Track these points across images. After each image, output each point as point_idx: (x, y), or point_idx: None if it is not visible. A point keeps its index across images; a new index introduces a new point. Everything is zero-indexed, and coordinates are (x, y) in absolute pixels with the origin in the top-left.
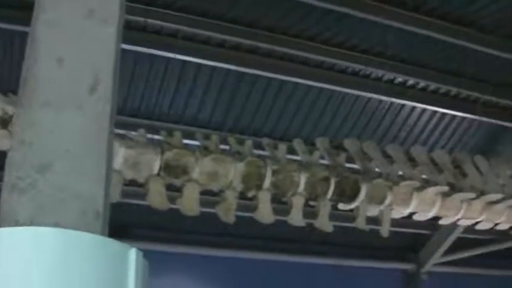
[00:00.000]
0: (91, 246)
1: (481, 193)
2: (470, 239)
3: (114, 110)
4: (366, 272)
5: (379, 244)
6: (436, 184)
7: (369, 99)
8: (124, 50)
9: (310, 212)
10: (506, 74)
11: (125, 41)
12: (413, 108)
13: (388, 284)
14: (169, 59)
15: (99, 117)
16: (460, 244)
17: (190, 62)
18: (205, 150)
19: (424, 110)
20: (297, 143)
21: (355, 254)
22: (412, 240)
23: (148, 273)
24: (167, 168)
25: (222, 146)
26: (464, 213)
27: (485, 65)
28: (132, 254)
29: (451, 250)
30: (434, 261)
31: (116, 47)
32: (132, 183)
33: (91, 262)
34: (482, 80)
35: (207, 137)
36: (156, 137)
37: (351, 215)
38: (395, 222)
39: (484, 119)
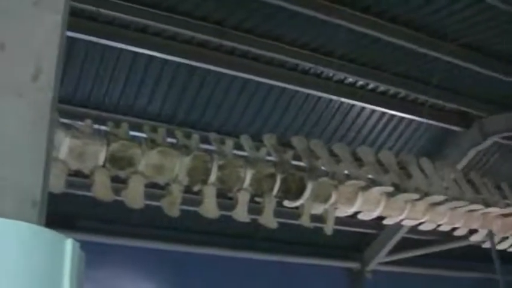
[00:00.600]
0: (26, 236)
1: (425, 194)
2: (414, 239)
3: (56, 98)
4: (311, 269)
5: (325, 242)
6: (381, 184)
7: (319, 98)
8: (75, 39)
9: (255, 208)
10: (452, 78)
11: (77, 30)
12: (363, 108)
13: (333, 282)
14: (121, 50)
15: (41, 106)
16: (404, 244)
17: (141, 54)
18: (152, 143)
19: (373, 111)
20: (244, 139)
21: (300, 251)
22: (358, 239)
23: (84, 264)
24: (113, 159)
25: (170, 140)
26: (408, 214)
27: (433, 68)
28: (68, 245)
29: (395, 250)
30: (379, 260)
31: (60, 35)
32: (78, 174)
33: (25, 251)
34: (430, 83)
35: (154, 130)
36: (104, 128)
37: (296, 212)
38: (341, 221)
39: (431, 121)
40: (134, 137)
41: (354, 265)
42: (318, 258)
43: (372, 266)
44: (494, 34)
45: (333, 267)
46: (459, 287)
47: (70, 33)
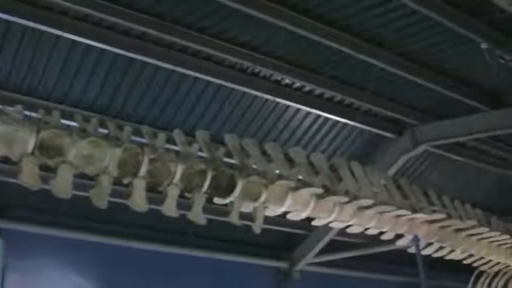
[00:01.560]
0: None
1: (354, 198)
2: (342, 241)
3: None
4: (240, 267)
5: (255, 241)
6: (311, 186)
7: (255, 97)
8: (11, 23)
9: (186, 203)
10: (387, 86)
11: (14, 14)
12: (298, 110)
13: (261, 281)
14: (58, 37)
15: None
16: (333, 246)
17: (79, 42)
18: (83, 133)
19: (308, 113)
20: (177, 134)
21: (231, 249)
22: (287, 239)
23: (4, 252)
24: (42, 147)
25: (102, 130)
26: (337, 216)
27: (368, 74)
28: None
29: (324, 251)
30: (307, 260)
31: None
32: (8, 161)
33: None
34: (365, 88)
35: (86, 120)
36: (35, 115)
37: (227, 210)
38: (271, 221)
39: (365, 126)
40: (67, 126)
41: (282, 264)
42: (248, 257)
43: (301, 266)
44: (428, 44)
45: (262, 265)
46: None
47: (6, 17)
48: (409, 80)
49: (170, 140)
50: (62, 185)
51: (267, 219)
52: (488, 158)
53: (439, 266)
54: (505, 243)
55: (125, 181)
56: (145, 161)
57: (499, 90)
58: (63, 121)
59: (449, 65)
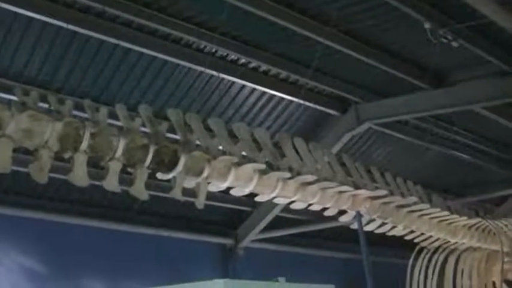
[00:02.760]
0: None
1: (297, 174)
2: (287, 218)
3: None
4: (184, 244)
5: (200, 218)
6: (254, 161)
7: (201, 72)
8: None
9: (129, 179)
10: (332, 63)
11: None
12: (243, 86)
13: (206, 257)
14: None
15: None
16: (277, 222)
17: (21, 14)
18: (22, 106)
19: (253, 89)
20: (119, 108)
21: (175, 225)
22: (232, 216)
23: None
24: None
25: (43, 104)
26: (280, 192)
27: (314, 52)
28: None
29: (268, 228)
30: (252, 237)
31: None
32: None
33: None
34: (310, 65)
35: (26, 93)
36: None
37: (171, 186)
38: (216, 198)
39: (309, 104)
40: (8, 100)
41: (227, 241)
42: (193, 233)
43: (245, 242)
44: (372, 23)
45: (207, 242)
46: (328, 267)
47: None
48: (354, 58)
49: (113, 115)
50: (2, 160)
51: (213, 196)
52: (430, 136)
53: (381, 242)
54: (445, 220)
55: (66, 156)
56: (87, 135)
57: (441, 70)
58: (4, 95)
59: (393, 43)
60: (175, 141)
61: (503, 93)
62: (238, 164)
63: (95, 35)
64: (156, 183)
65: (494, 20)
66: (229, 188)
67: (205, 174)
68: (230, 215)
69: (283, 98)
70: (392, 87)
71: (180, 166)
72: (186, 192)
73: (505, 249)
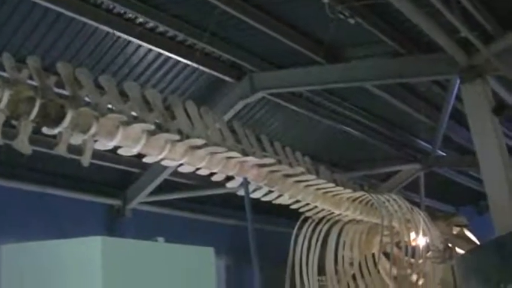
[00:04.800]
0: None
1: (186, 137)
2: (176, 182)
3: None
4: (71, 202)
5: (88, 177)
6: (143, 121)
7: (96, 29)
8: None
9: (13, 132)
10: (229, 29)
11: None
12: (139, 46)
13: (93, 218)
14: None
15: None
16: (167, 186)
17: None
18: None
19: (149, 50)
20: (6, 58)
21: (62, 183)
22: (121, 177)
23: None
24: None
25: None
26: (168, 154)
27: (211, 16)
28: None
29: (157, 191)
30: (140, 199)
31: None
32: None
33: None
34: (205, 30)
35: None
36: None
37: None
38: (106, 158)
39: (204, 68)
40: None
41: (115, 202)
42: (80, 193)
43: (133, 204)
44: None
45: (94, 202)
46: (215, 233)
47: None
48: (251, 26)
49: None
50: None
51: (102, 156)
52: (322, 110)
53: (269, 211)
54: (330, 192)
55: None
56: None
57: (337, 46)
58: None
59: (291, 15)
60: (64, 96)
61: (395, 73)
62: (127, 123)
63: None
64: (42, 139)
65: (391, 1)
66: (117, 148)
67: (92, 131)
68: (119, 176)
69: (179, 61)
70: (288, 58)
71: (66, 121)
72: (73, 149)
73: (385, 223)
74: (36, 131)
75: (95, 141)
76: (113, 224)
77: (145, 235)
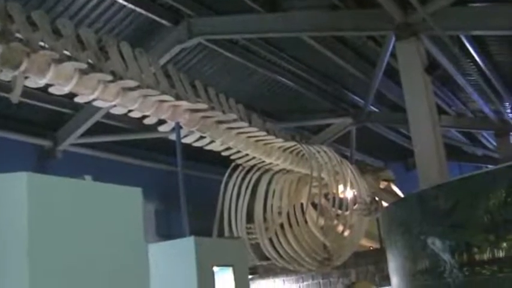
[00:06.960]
0: None
1: (120, 78)
2: (108, 124)
3: None
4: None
5: (18, 116)
6: (76, 60)
7: None
8: None
9: None
10: None
11: None
12: None
13: (22, 158)
14: None
15: None
16: (99, 128)
17: None
18: None
19: None
20: None
21: None
22: (52, 117)
23: None
24: None
25: None
26: (100, 94)
27: None
28: None
29: (89, 132)
30: (72, 141)
31: None
32: None
33: None
34: None
35: None
36: None
37: None
38: (37, 97)
39: (141, 10)
40: None
41: (45, 143)
42: (9, 132)
43: (64, 146)
44: None
45: (24, 142)
46: (146, 177)
47: None
48: None
49: None
50: None
51: (33, 95)
52: (258, 59)
53: (199, 157)
54: (262, 140)
55: None
56: None
57: None
58: None
59: None
60: None
61: (332, 26)
62: (59, 61)
63: None
64: None
65: None
66: (48, 86)
67: (23, 67)
68: (51, 116)
69: (115, 1)
70: (227, 5)
71: None
72: (3, 87)
73: (314, 174)
74: None
75: (26, 78)
76: (43, 165)
77: (76, 176)
